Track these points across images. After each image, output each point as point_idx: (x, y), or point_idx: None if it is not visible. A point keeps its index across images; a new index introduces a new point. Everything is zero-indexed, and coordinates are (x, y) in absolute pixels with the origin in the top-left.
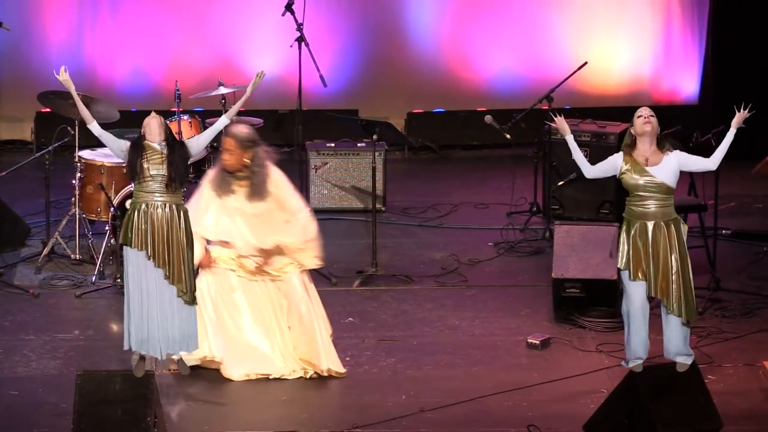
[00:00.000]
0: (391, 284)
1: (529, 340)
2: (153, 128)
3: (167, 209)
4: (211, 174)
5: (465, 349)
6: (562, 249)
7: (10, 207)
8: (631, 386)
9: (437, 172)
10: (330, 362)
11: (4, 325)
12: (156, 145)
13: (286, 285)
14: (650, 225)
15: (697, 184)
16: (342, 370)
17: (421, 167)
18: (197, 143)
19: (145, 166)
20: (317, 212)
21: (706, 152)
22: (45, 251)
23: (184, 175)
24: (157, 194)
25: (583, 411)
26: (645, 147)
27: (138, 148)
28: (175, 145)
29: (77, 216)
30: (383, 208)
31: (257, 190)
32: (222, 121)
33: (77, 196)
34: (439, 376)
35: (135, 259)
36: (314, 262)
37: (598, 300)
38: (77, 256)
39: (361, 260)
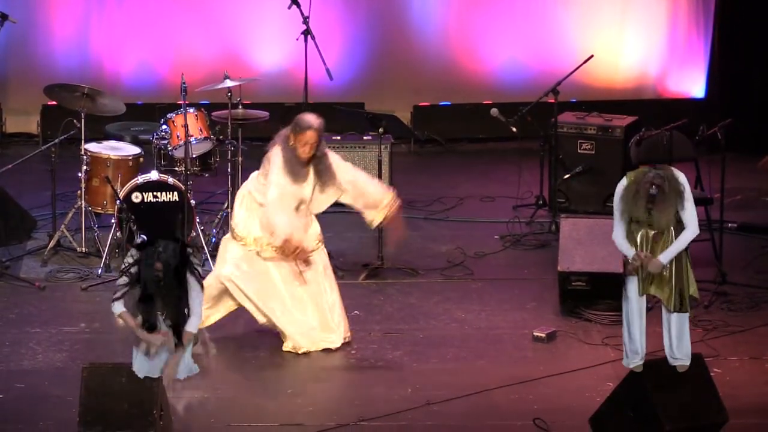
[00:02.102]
0: (397, 277)
1: (534, 333)
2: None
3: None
4: (278, 162)
5: (471, 342)
6: (568, 242)
7: (16, 200)
8: (636, 380)
9: (443, 165)
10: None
11: (10, 318)
12: (163, 328)
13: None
14: (647, 233)
15: (704, 178)
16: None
17: (427, 160)
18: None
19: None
20: None
21: (713, 146)
22: (51, 244)
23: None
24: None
25: (588, 404)
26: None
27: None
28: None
29: (83, 209)
30: None
31: (329, 175)
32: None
33: (83, 189)
34: (445, 369)
35: None
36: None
37: (604, 293)
38: (83, 249)
39: (367, 253)
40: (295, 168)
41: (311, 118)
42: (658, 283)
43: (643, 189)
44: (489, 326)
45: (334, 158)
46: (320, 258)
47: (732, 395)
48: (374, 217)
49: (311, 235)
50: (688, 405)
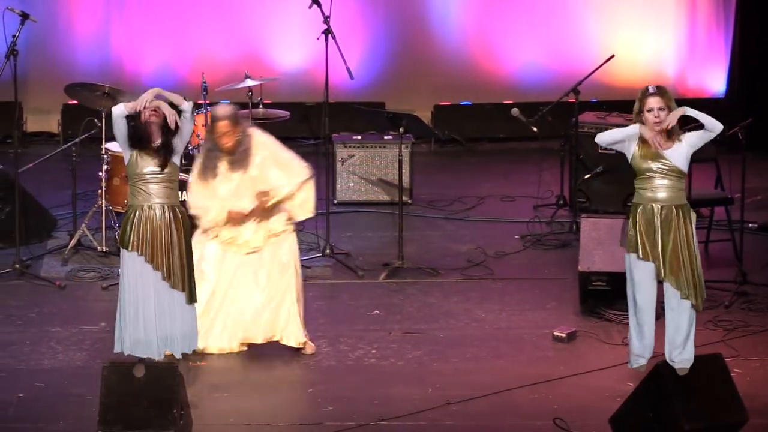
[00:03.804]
0: (418, 277)
1: (555, 333)
2: (153, 129)
3: (166, 213)
4: (196, 166)
5: (491, 341)
6: (588, 242)
7: (37, 199)
8: (657, 380)
9: (464, 164)
10: (291, 336)
11: (30, 316)
12: (153, 145)
13: (261, 255)
14: (659, 208)
15: (724, 178)
16: (302, 341)
17: (448, 160)
18: (181, 137)
19: (141, 163)
20: (343, 204)
21: (734, 146)
22: (71, 243)
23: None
24: (154, 195)
25: (609, 404)
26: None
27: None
28: (169, 142)
29: (104, 208)
30: (409, 201)
31: (240, 160)
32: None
33: (104, 188)
34: (465, 368)
35: (131, 261)
36: (303, 214)
37: (625, 293)
38: (104, 248)
39: (388, 253)
40: (210, 163)
41: (219, 109)
42: (675, 272)
43: (641, 94)
44: (509, 326)
45: (267, 143)
46: (270, 255)
47: (752, 395)
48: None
49: (268, 223)
50: (708, 405)
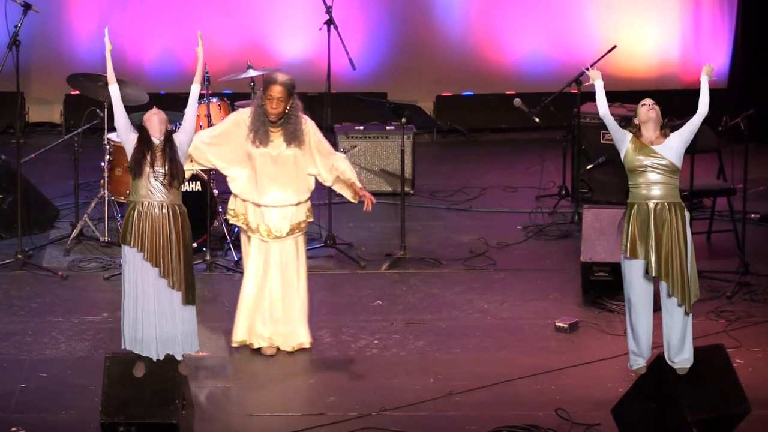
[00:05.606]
0: (420, 267)
1: (557, 324)
2: (154, 125)
3: (164, 210)
4: (244, 119)
5: (493, 332)
6: (590, 232)
7: (39, 189)
8: (659, 370)
9: (466, 155)
10: (299, 337)
11: (32, 307)
12: (157, 142)
13: (285, 247)
14: (653, 205)
15: (726, 168)
16: (307, 341)
17: (450, 150)
18: (185, 131)
19: (148, 164)
20: None
21: (736, 136)
22: (74, 233)
23: (183, 172)
24: (157, 193)
25: (611, 395)
26: (649, 133)
27: (143, 144)
28: (172, 142)
29: (106, 198)
30: (412, 192)
31: (295, 135)
32: (196, 89)
33: (106, 179)
34: (467, 359)
35: (132, 259)
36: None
37: None
38: (106, 238)
39: (390, 243)
40: (260, 127)
41: (278, 74)
42: (666, 270)
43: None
44: (511, 316)
45: (312, 129)
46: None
47: (754, 386)
48: (345, 195)
49: (300, 208)
50: (710, 396)
